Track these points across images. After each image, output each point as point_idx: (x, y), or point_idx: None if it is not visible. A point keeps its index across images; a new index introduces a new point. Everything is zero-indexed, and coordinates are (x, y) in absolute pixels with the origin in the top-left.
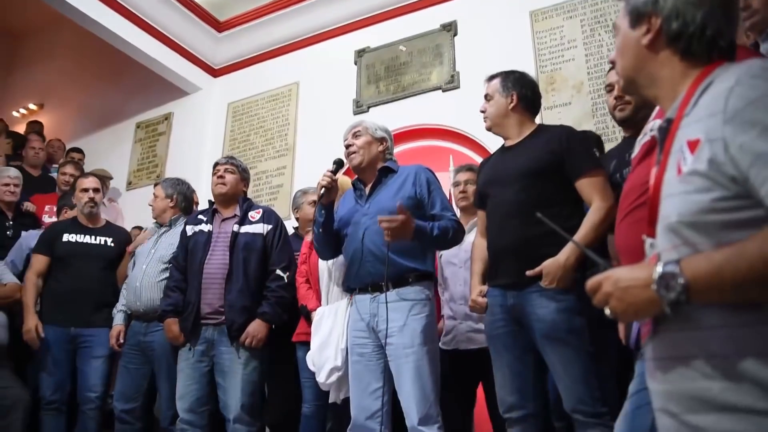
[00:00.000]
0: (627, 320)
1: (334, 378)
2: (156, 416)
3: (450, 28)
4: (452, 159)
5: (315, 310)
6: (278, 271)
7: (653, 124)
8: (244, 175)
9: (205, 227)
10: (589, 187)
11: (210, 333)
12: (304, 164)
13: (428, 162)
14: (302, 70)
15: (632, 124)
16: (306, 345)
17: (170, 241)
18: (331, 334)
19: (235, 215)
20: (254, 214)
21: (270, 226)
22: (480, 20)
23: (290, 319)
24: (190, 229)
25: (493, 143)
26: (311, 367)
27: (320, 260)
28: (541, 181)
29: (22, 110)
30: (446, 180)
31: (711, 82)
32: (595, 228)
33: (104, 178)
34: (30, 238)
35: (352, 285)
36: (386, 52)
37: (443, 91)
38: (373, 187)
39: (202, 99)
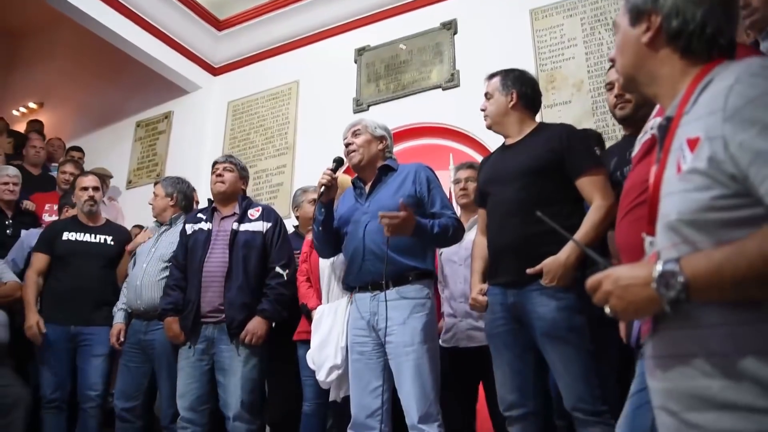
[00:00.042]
0: (627, 319)
1: (333, 376)
2: (156, 415)
3: (450, 26)
4: (452, 157)
5: (315, 308)
6: (278, 269)
7: (653, 123)
8: (242, 174)
9: (205, 226)
10: (589, 185)
11: (210, 331)
12: (304, 163)
13: (428, 160)
14: (302, 69)
15: (632, 122)
16: (307, 344)
17: (170, 240)
18: (331, 332)
19: (235, 213)
20: (253, 212)
21: (269, 224)
22: (480, 18)
23: (291, 318)
24: (189, 228)
25: (493, 142)
26: (311, 366)
27: (321, 259)
28: (542, 179)
29: (23, 109)
30: (446, 178)
31: (711, 80)
32: (595, 227)
33: (104, 177)
34: (31, 236)
35: (352, 283)
36: (386, 51)
37: (443, 89)
38: (373, 186)
39: (202, 97)
